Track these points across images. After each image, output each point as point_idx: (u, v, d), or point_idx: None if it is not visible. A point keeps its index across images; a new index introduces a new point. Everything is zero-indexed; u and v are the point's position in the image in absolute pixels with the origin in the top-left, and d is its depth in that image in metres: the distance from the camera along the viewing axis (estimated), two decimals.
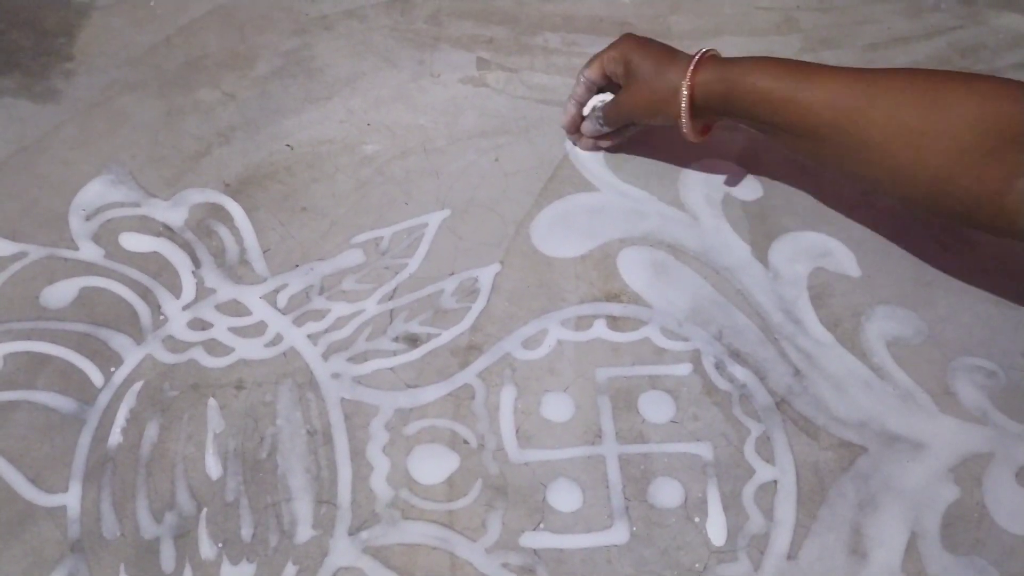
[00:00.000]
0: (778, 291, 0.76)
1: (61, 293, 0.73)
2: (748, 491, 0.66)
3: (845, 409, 0.70)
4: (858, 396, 0.71)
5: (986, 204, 0.61)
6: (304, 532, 0.63)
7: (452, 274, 0.76)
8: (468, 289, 0.75)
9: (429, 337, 0.72)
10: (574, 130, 0.82)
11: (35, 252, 0.75)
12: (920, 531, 0.65)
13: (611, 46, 0.76)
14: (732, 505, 0.65)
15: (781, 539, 0.65)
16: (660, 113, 0.73)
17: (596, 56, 0.77)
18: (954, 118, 0.60)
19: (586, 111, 0.80)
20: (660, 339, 0.73)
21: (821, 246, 0.79)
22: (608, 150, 0.84)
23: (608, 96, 0.79)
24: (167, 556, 0.62)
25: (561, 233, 0.79)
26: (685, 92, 0.70)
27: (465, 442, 0.68)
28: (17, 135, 0.84)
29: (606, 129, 0.80)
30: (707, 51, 0.71)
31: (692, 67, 0.70)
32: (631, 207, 0.81)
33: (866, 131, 0.64)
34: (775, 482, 0.67)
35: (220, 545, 0.62)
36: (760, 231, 0.80)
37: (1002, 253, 0.78)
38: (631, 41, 0.75)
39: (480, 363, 0.71)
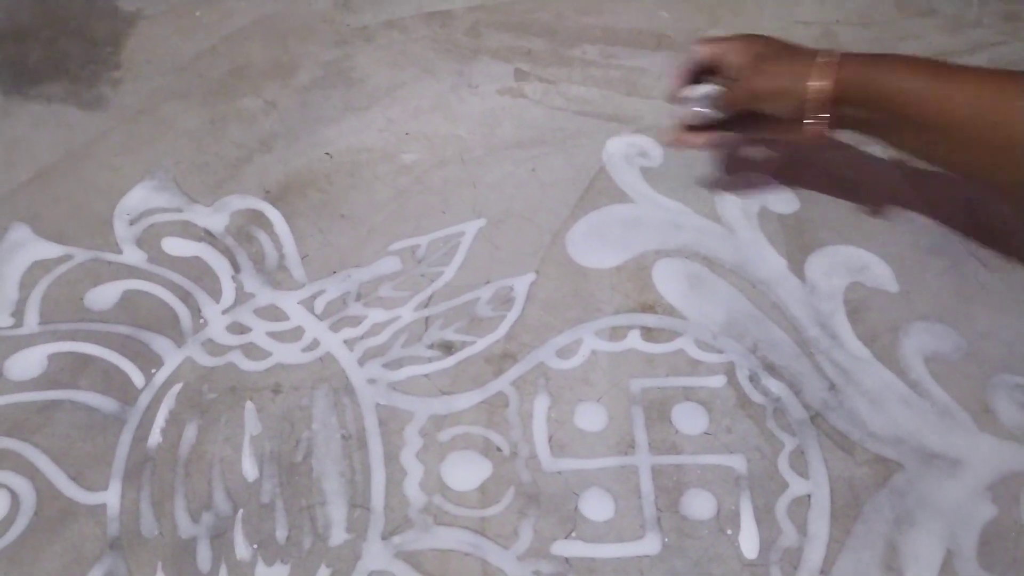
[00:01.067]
0: (814, 305, 0.76)
1: (105, 296, 0.75)
2: (781, 504, 0.66)
3: (881, 424, 0.70)
4: (895, 412, 0.71)
5: None
6: (338, 535, 0.64)
7: (488, 283, 0.77)
8: (503, 298, 0.76)
9: (464, 345, 0.73)
10: (678, 99, 0.76)
11: (80, 255, 0.77)
12: (956, 549, 0.64)
13: (727, 38, 0.73)
14: (765, 518, 0.65)
15: (815, 554, 0.64)
16: (792, 98, 0.69)
17: (710, 40, 0.73)
18: None
19: (687, 94, 0.76)
20: (694, 351, 0.73)
21: (858, 260, 0.79)
22: (701, 147, 0.79)
23: (711, 87, 0.74)
24: (203, 556, 0.63)
25: (596, 244, 0.80)
26: (828, 82, 0.67)
27: (498, 449, 0.68)
28: (65, 140, 0.86)
29: (712, 115, 0.75)
30: (832, 50, 0.70)
31: (835, 58, 0.68)
32: (667, 219, 0.81)
33: (1010, 131, 0.62)
34: (809, 496, 0.67)
35: (255, 546, 0.63)
36: (796, 244, 0.79)
37: None
38: (752, 36, 0.72)
39: (514, 371, 0.72)
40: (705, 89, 0.74)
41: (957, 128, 0.64)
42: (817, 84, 0.67)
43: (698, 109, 0.75)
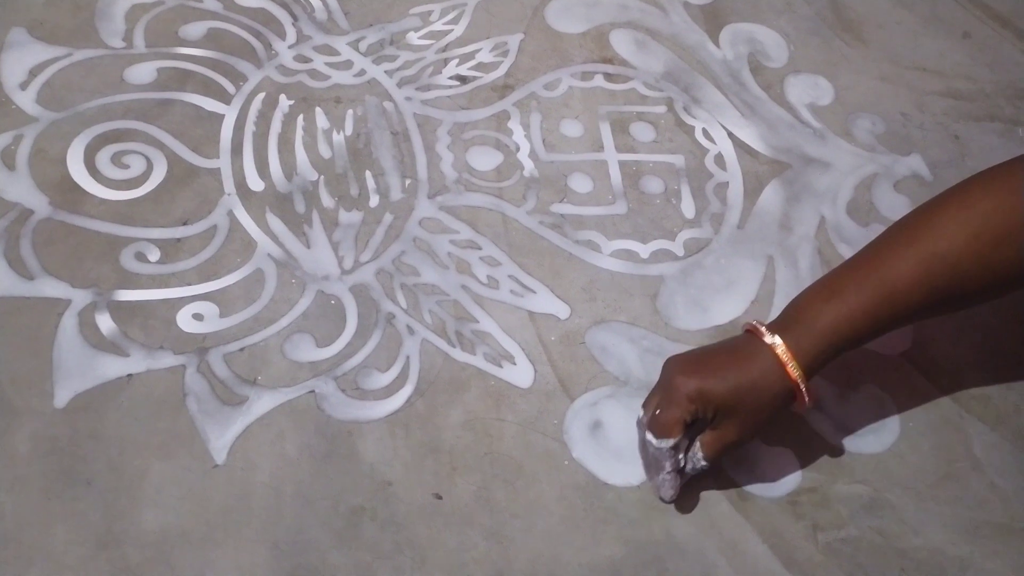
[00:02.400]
0: (727, 62, 1.03)
1: (194, 30, 0.95)
2: (709, 187, 0.93)
3: (776, 141, 0.98)
4: (785, 133, 0.99)
5: None
6: (396, 194, 0.87)
7: (488, 38, 1.01)
8: (501, 49, 1.00)
9: (475, 79, 0.97)
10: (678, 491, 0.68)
11: (170, 1, 0.97)
12: (828, 216, 0.92)
13: (671, 396, 0.65)
14: (698, 195, 0.92)
15: (733, 217, 0.91)
16: (779, 412, 0.66)
17: (664, 418, 0.65)
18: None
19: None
20: (643, 89, 1.00)
21: (758, 33, 1.07)
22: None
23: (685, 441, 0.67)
24: (299, 203, 0.85)
25: (567, 16, 1.05)
26: (802, 384, 0.65)
27: (506, 146, 0.92)
28: None
29: (706, 467, 0.68)
30: (755, 325, 0.67)
31: (781, 353, 0.64)
32: (618, 2, 1.07)
33: (965, 283, 0.65)
34: (728, 183, 0.94)
35: (336, 199, 0.86)
36: (713, 23, 1.07)
37: None
38: (687, 372, 0.66)
39: (514, 96, 0.96)
40: (684, 453, 0.68)
41: (917, 310, 0.66)
42: (786, 388, 0.65)
43: (685, 468, 0.68)
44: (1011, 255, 0.64)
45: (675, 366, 0.67)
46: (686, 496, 0.71)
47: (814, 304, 0.66)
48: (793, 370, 0.64)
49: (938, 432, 0.77)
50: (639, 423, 0.68)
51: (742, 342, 0.67)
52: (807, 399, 0.65)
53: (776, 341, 0.65)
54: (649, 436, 0.66)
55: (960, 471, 0.76)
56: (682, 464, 0.67)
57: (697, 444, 0.67)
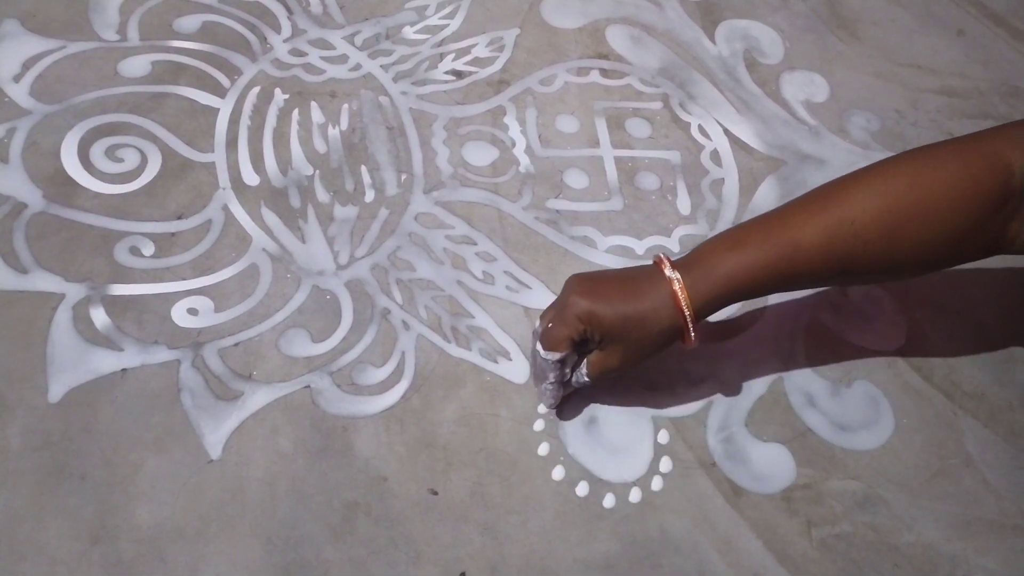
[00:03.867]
0: (722, 58, 1.03)
1: (189, 23, 0.95)
2: (705, 183, 0.93)
3: (771, 138, 0.98)
4: (780, 130, 0.99)
5: (1002, 249, 0.67)
6: (391, 189, 0.87)
7: (484, 33, 1.00)
8: (497, 44, 1.00)
9: (471, 74, 0.97)
10: (558, 400, 0.72)
11: None
12: None
13: (563, 313, 0.66)
14: (694, 191, 0.92)
15: (728, 213, 0.92)
16: (664, 347, 0.68)
17: (554, 333, 0.67)
18: (946, 200, 0.65)
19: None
20: (639, 85, 1.00)
21: (753, 29, 1.07)
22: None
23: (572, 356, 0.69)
24: (294, 197, 0.84)
25: (562, 11, 1.05)
26: (689, 316, 0.66)
27: (502, 141, 0.92)
28: None
29: (589, 383, 0.70)
30: (661, 256, 0.68)
31: (678, 289, 0.65)
32: None
33: (868, 254, 0.65)
34: (723, 179, 0.94)
35: (331, 193, 0.85)
36: (708, 19, 1.07)
37: None
38: (582, 293, 0.66)
39: (509, 92, 0.96)
40: (570, 366, 0.70)
41: (820, 274, 0.67)
42: (673, 322, 0.66)
43: (570, 379, 0.71)
44: (916, 235, 0.65)
45: (574, 284, 0.68)
46: (679, 492, 0.71)
47: (717, 251, 0.67)
48: (685, 308, 0.65)
49: (931, 429, 0.78)
50: (534, 333, 0.70)
51: (643, 273, 0.68)
52: (693, 338, 0.67)
53: (675, 276, 0.66)
54: (538, 347, 0.68)
55: (953, 468, 0.76)
56: (567, 377, 0.70)
57: (585, 361, 0.69)
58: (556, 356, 0.67)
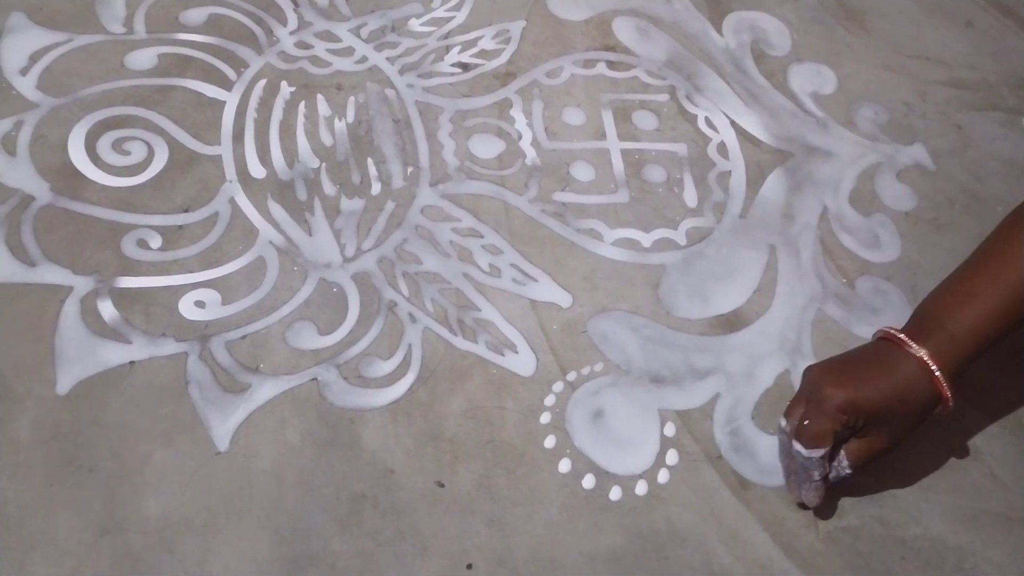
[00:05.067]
0: (730, 50, 1.03)
1: (195, 16, 0.95)
2: (712, 176, 0.93)
3: (777, 129, 0.97)
4: (788, 122, 0.98)
5: None
6: (398, 182, 0.87)
7: (490, 25, 1.00)
8: (503, 36, 1.00)
9: (477, 66, 0.97)
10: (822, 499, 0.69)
11: None
12: (830, 205, 0.92)
13: (821, 406, 0.65)
14: (701, 184, 0.92)
15: (735, 206, 0.91)
16: (924, 420, 0.67)
17: (815, 429, 0.65)
18: None
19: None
20: (646, 77, 0.99)
21: (760, 21, 1.06)
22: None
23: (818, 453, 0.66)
24: (301, 190, 0.84)
25: (569, 3, 1.05)
26: (947, 388, 0.65)
27: (508, 134, 0.92)
28: None
29: (850, 475, 0.68)
30: (894, 334, 0.67)
31: (929, 361, 0.65)
32: None
33: None
34: (730, 171, 0.94)
35: (338, 186, 0.85)
36: (716, 11, 1.06)
37: None
38: (836, 384, 0.65)
39: (516, 84, 0.96)
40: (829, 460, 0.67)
41: None
42: (931, 394, 0.65)
43: (830, 475, 0.69)
44: None
45: (822, 376, 0.66)
46: (685, 485, 0.71)
47: (949, 309, 0.66)
48: (940, 379, 0.64)
49: (938, 422, 0.77)
50: (781, 430, 0.68)
51: (885, 351, 0.67)
52: (951, 404, 0.66)
53: (922, 352, 0.65)
54: (798, 447, 0.66)
55: (960, 461, 0.76)
56: (827, 471, 0.67)
57: (842, 452, 0.67)
58: (820, 452, 0.65)
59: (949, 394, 0.65)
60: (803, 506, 0.70)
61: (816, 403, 0.65)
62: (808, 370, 0.68)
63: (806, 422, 0.65)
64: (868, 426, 0.65)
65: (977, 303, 0.65)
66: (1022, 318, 0.65)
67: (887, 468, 0.74)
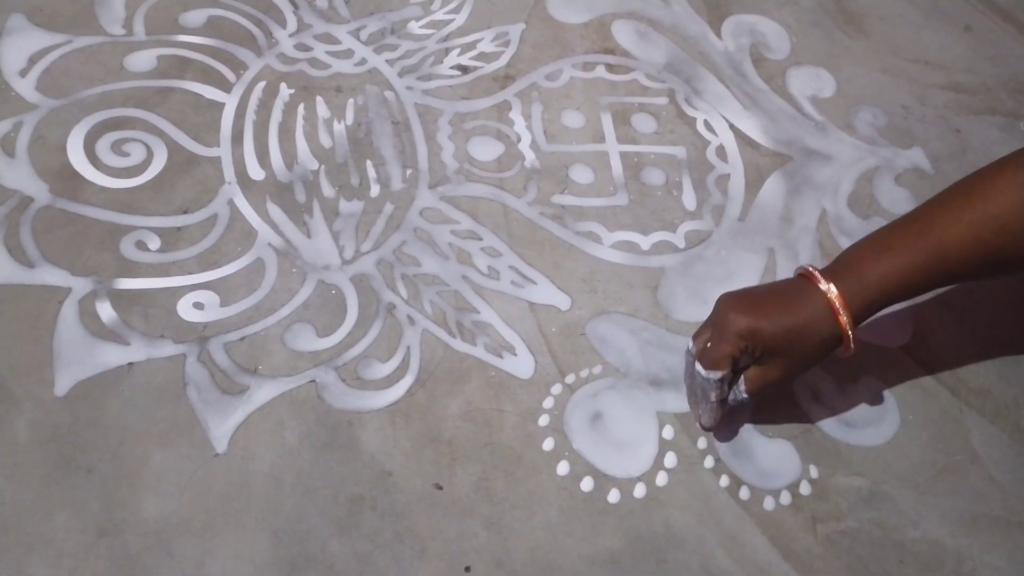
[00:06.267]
0: (728, 54, 1.03)
1: (195, 18, 0.95)
2: (710, 178, 0.93)
3: (776, 133, 0.98)
4: (787, 125, 0.98)
5: None
6: (397, 184, 0.87)
7: (490, 27, 1.00)
8: (502, 39, 1.00)
9: (476, 68, 0.97)
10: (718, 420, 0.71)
11: None
12: (829, 208, 0.92)
13: (723, 331, 0.67)
14: (700, 187, 0.92)
15: (734, 209, 0.91)
16: (822, 358, 0.69)
17: (715, 352, 0.67)
18: None
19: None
20: (645, 80, 1.00)
21: (759, 25, 1.06)
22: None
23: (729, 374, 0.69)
24: (299, 192, 0.84)
25: (568, 6, 1.05)
26: (848, 324, 0.67)
27: (507, 136, 0.92)
28: None
29: (748, 400, 0.71)
30: (810, 270, 0.69)
31: (835, 299, 0.66)
32: None
33: (1018, 248, 0.65)
34: (729, 174, 0.94)
35: (337, 188, 0.85)
36: (715, 14, 1.07)
37: None
38: (740, 310, 0.67)
39: (515, 87, 0.96)
40: (728, 384, 0.70)
41: (973, 269, 0.67)
42: (833, 331, 0.67)
43: (727, 399, 0.71)
44: None
45: (729, 302, 0.69)
46: (684, 488, 0.71)
47: (867, 257, 0.68)
48: (844, 318, 0.66)
49: (937, 425, 0.78)
50: (688, 352, 0.71)
51: (795, 286, 0.69)
52: (852, 346, 0.68)
53: (830, 288, 0.67)
54: (698, 367, 0.68)
55: (959, 464, 0.76)
56: (726, 395, 0.70)
57: (741, 378, 0.70)
58: (718, 375, 0.68)
59: (851, 334, 0.67)
60: (704, 428, 0.72)
61: (720, 328, 0.68)
62: (721, 296, 0.70)
63: (708, 344, 0.68)
64: (766, 355, 0.68)
65: (892, 256, 0.67)
66: (933, 279, 0.68)
67: (887, 472, 0.74)
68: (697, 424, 0.73)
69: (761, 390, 0.70)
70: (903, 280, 0.67)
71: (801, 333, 0.67)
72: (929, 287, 0.69)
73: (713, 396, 0.69)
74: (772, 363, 0.68)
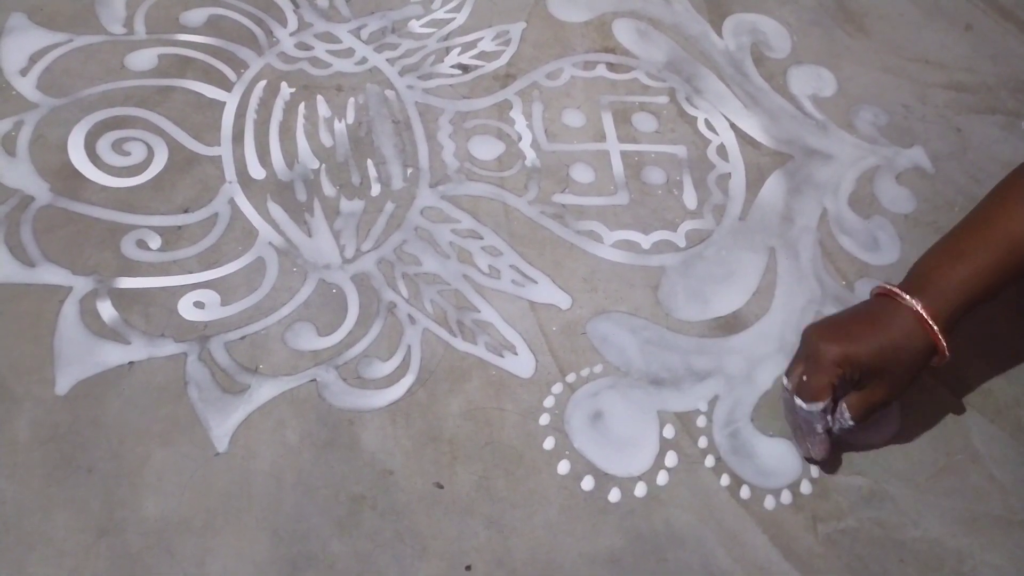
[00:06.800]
0: (729, 53, 1.03)
1: (195, 17, 0.95)
2: (711, 178, 0.93)
3: (777, 132, 0.97)
4: (787, 124, 0.98)
5: None
6: (397, 183, 0.87)
7: (491, 26, 1.00)
8: (503, 38, 1.00)
9: (477, 67, 0.97)
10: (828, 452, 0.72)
11: None
12: (829, 208, 0.92)
13: (818, 362, 0.68)
14: (700, 186, 0.92)
15: (735, 208, 0.91)
16: (920, 371, 0.69)
17: (813, 384, 0.68)
18: None
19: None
20: (645, 79, 0.99)
21: (760, 24, 1.07)
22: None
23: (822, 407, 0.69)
24: (300, 191, 0.84)
25: (569, 5, 1.05)
26: (940, 333, 0.67)
27: (508, 135, 0.92)
28: None
29: (854, 427, 0.70)
30: (889, 288, 0.70)
31: (922, 311, 0.67)
32: None
33: None
34: (730, 174, 0.94)
35: (338, 187, 0.85)
36: (716, 13, 1.06)
37: None
38: (830, 339, 0.68)
39: (516, 86, 0.96)
40: (831, 413, 0.70)
41: None
42: (927, 346, 0.68)
43: (832, 428, 0.71)
44: None
45: (817, 332, 0.70)
46: (684, 487, 0.71)
47: (942, 265, 0.69)
48: (934, 327, 0.67)
49: (937, 424, 0.78)
50: (784, 389, 0.71)
51: (878, 306, 0.70)
52: (947, 353, 0.68)
53: (914, 303, 0.68)
54: (799, 401, 0.69)
55: (959, 463, 0.76)
56: (829, 425, 0.70)
57: (843, 405, 0.70)
58: (819, 406, 0.68)
59: (944, 342, 0.68)
60: (812, 461, 0.73)
61: (813, 359, 0.68)
62: (806, 329, 0.71)
63: (804, 378, 0.68)
64: (865, 378, 0.68)
65: (966, 260, 0.68)
66: (1011, 275, 0.69)
67: (888, 471, 0.74)
68: (806, 458, 0.73)
69: (867, 414, 0.70)
70: (982, 281, 0.68)
71: (896, 351, 0.67)
72: (1007, 282, 0.69)
73: (819, 427, 0.69)
74: (873, 385, 0.69)
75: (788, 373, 0.71)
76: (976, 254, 0.68)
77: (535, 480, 0.71)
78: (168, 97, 0.88)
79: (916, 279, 0.70)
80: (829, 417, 0.70)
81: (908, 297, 0.68)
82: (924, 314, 0.67)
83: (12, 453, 0.66)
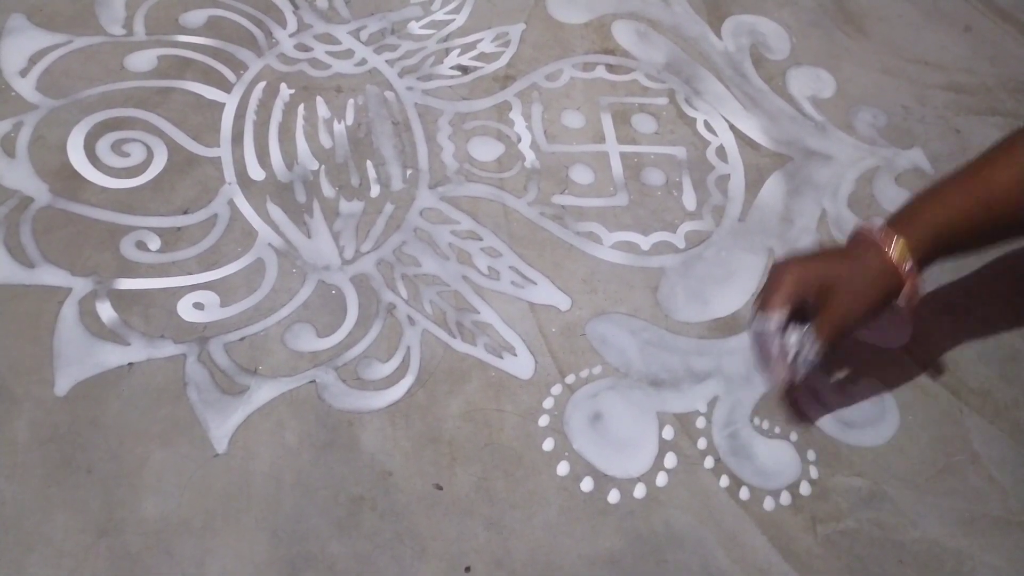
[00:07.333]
0: (728, 54, 1.03)
1: (195, 18, 0.95)
2: (711, 179, 0.93)
3: (777, 133, 0.98)
4: (787, 126, 0.98)
5: None
6: (397, 184, 0.87)
7: (490, 28, 1.00)
8: (503, 39, 1.00)
9: (476, 69, 0.97)
10: (791, 379, 0.69)
11: None
12: (829, 209, 0.92)
13: (773, 277, 0.68)
14: (700, 187, 0.92)
15: (734, 209, 0.91)
16: (889, 301, 0.68)
17: (765, 293, 0.67)
18: None
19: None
20: (645, 80, 1.00)
21: (760, 25, 1.06)
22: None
23: (797, 330, 0.68)
24: (300, 192, 0.84)
25: (568, 7, 1.05)
26: (906, 265, 0.66)
27: (507, 137, 0.92)
28: None
29: (819, 358, 0.68)
30: (871, 225, 0.69)
31: (895, 242, 0.67)
32: None
33: None
34: (729, 175, 0.94)
35: (337, 188, 0.85)
36: (715, 15, 1.07)
37: None
38: (787, 260, 0.68)
39: (515, 87, 0.96)
40: (795, 336, 0.68)
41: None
42: (896, 269, 0.67)
43: (805, 360, 0.68)
44: None
45: (778, 260, 0.70)
46: (684, 488, 0.71)
47: (919, 203, 0.70)
48: (893, 251, 0.66)
49: (937, 425, 0.78)
50: (752, 321, 0.69)
51: (849, 238, 0.70)
52: (908, 284, 0.67)
53: (877, 224, 0.68)
54: (756, 322, 0.67)
55: (958, 464, 0.76)
56: (792, 351, 0.67)
57: (808, 337, 0.67)
58: (773, 320, 0.66)
59: (905, 268, 0.66)
60: (776, 384, 0.70)
61: (771, 277, 0.68)
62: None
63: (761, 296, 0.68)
64: (823, 296, 0.66)
65: (940, 200, 0.69)
66: (982, 227, 0.69)
67: (887, 472, 0.74)
68: (771, 388, 0.74)
69: (831, 335, 0.67)
70: (955, 224, 0.68)
71: (852, 265, 0.67)
72: (985, 233, 0.70)
73: (775, 349, 0.67)
74: (833, 301, 0.66)
75: (752, 304, 0.71)
76: (954, 196, 0.69)
77: (534, 481, 0.71)
78: (167, 98, 0.88)
79: (892, 216, 0.70)
80: (791, 341, 0.67)
81: (867, 220, 0.68)
82: (881, 235, 0.67)
83: (12, 453, 0.66)
